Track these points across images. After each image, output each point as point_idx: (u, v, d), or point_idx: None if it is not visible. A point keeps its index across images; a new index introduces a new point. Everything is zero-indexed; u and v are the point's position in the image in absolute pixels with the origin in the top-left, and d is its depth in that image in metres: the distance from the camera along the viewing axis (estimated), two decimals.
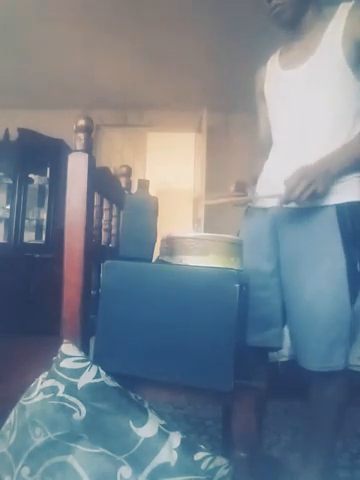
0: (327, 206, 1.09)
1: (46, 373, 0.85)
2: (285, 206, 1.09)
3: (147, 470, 0.76)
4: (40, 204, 3.74)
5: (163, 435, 0.78)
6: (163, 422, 0.81)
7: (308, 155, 1.10)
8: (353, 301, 1.07)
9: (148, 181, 1.03)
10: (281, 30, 1.20)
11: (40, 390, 0.82)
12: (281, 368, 1.64)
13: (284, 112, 1.21)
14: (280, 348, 1.25)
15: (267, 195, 1.17)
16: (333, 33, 1.08)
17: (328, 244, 1.08)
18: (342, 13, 1.08)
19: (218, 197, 1.29)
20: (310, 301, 1.09)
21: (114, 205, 1.23)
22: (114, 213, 1.24)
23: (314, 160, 1.07)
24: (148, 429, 0.78)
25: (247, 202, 1.30)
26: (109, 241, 1.22)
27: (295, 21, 1.14)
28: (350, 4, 1.09)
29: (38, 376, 0.86)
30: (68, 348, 0.86)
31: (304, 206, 1.09)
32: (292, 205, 1.09)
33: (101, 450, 0.78)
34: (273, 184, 1.18)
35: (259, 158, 1.34)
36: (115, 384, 0.83)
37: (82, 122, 0.96)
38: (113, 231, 1.24)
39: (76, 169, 0.94)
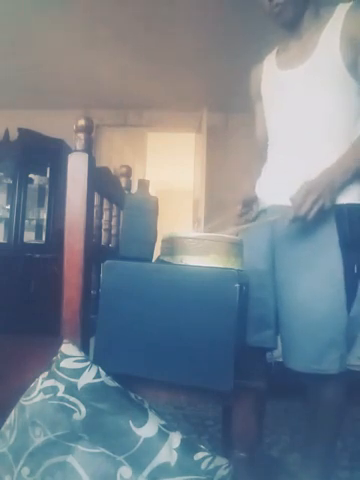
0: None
1: (46, 373, 0.85)
2: (283, 205, 1.08)
3: (147, 470, 0.76)
4: (40, 204, 3.73)
5: (163, 435, 0.78)
6: (163, 422, 0.81)
7: (306, 158, 1.10)
8: (350, 304, 1.05)
9: (148, 181, 1.03)
10: (281, 29, 1.19)
11: (40, 390, 0.82)
12: (275, 368, 1.64)
13: (281, 113, 1.19)
14: (275, 348, 1.24)
15: (274, 216, 1.14)
16: (331, 34, 1.08)
17: (325, 246, 1.07)
18: (339, 14, 1.08)
19: (219, 222, 1.23)
20: (304, 301, 1.07)
21: (114, 205, 1.23)
22: (114, 213, 1.24)
23: (312, 163, 1.06)
24: (148, 429, 0.78)
25: (250, 224, 1.23)
26: (109, 241, 1.22)
27: (295, 21, 1.14)
28: (348, 5, 1.08)
29: (38, 376, 0.86)
30: (68, 348, 0.86)
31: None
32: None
33: (101, 450, 0.78)
34: (272, 189, 1.18)
35: (257, 160, 1.32)
36: (115, 384, 0.83)
37: (82, 122, 0.96)
38: (113, 231, 1.24)
39: (76, 169, 0.94)
